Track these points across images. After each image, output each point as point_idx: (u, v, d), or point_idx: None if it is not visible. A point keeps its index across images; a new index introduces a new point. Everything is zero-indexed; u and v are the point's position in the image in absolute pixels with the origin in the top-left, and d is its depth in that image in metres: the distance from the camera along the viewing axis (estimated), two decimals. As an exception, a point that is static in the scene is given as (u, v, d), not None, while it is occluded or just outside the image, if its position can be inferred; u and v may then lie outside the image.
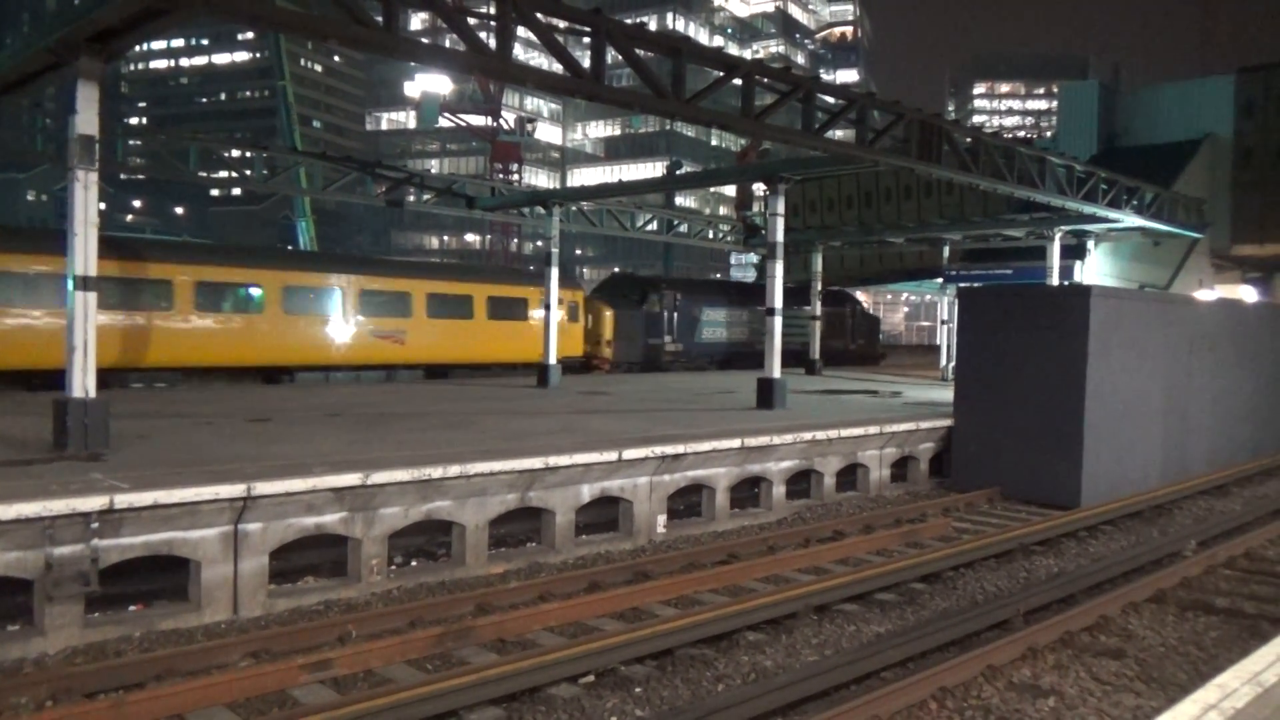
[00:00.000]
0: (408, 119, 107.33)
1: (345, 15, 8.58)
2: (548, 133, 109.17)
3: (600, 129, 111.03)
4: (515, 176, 73.19)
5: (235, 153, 27.14)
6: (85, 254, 8.80)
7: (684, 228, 33.86)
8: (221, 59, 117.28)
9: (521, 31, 9.95)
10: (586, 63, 10.54)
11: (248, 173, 24.18)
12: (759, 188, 41.01)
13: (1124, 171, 21.41)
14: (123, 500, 6.79)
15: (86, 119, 8.75)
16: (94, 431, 8.85)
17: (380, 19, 8.79)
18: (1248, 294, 30.07)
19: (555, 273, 20.27)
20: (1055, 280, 22.03)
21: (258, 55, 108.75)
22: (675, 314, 30.27)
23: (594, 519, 10.25)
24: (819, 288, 28.16)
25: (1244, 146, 30.87)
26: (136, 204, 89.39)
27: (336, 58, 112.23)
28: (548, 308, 20.10)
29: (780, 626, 7.34)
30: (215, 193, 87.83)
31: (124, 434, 9.90)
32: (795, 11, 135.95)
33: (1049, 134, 71.90)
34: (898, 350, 54.51)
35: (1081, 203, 19.21)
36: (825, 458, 12.65)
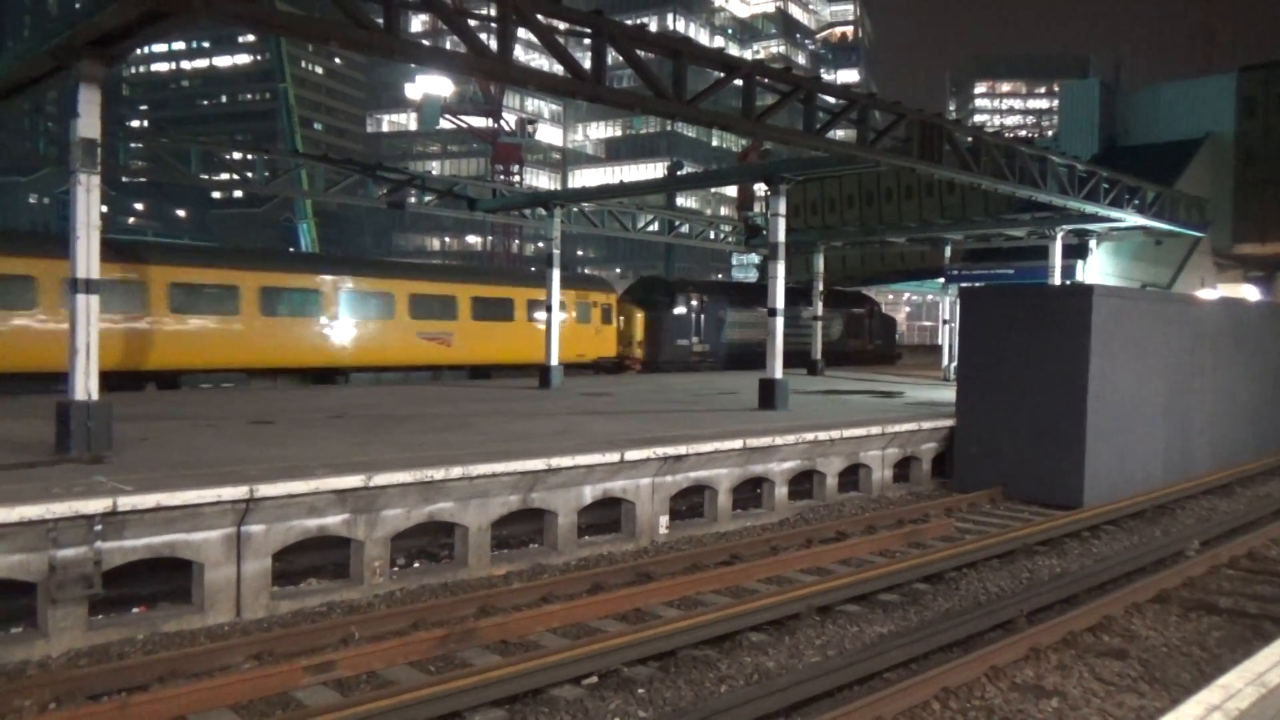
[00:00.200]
0: (409, 121, 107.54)
1: (346, 18, 8.62)
2: (548, 134, 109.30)
3: (601, 130, 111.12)
4: (516, 178, 73.21)
5: (236, 155, 27.10)
6: (87, 257, 8.82)
7: (685, 228, 33.88)
8: (222, 62, 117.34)
9: (522, 33, 9.95)
10: (587, 64, 10.55)
11: (249, 175, 24.16)
12: (760, 188, 41.09)
13: (1125, 170, 21.41)
14: (126, 503, 6.80)
15: (88, 122, 8.77)
16: (97, 434, 8.87)
17: (381, 21, 8.81)
18: (1250, 293, 30.05)
19: (557, 274, 20.29)
20: (1057, 280, 22.01)
21: (259, 58, 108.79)
22: (702, 316, 30.53)
23: (596, 520, 10.25)
24: (820, 288, 28.20)
25: (1246, 145, 30.80)
26: (138, 207, 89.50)
27: (337, 60, 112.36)
28: (549, 309, 20.22)
29: (783, 627, 7.34)
30: (216, 195, 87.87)
31: (127, 436, 9.91)
32: (796, 12, 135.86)
33: (1050, 133, 71.85)
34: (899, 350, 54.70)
35: (1083, 202, 19.20)
36: (827, 458, 12.65)
